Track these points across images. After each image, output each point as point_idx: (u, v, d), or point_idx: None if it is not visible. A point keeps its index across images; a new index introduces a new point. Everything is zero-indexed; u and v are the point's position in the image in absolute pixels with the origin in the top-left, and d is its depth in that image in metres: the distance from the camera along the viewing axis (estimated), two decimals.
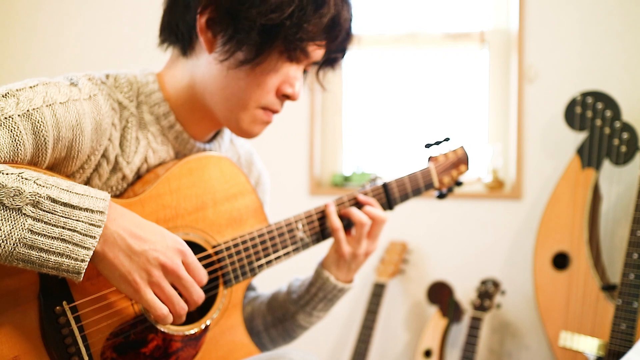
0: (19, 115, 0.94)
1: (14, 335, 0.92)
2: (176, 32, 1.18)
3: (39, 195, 0.86)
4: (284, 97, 1.21)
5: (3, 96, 0.95)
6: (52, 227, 0.87)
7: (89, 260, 0.89)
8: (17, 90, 0.97)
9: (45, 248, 0.86)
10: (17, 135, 0.93)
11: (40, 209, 0.86)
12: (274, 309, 1.42)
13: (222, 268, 1.19)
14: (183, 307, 1.02)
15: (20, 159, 0.95)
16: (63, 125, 1.00)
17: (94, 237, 0.90)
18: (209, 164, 1.22)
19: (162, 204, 1.12)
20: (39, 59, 3.07)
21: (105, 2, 3.03)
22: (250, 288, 1.52)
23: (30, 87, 0.99)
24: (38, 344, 0.95)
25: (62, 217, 0.88)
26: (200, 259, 1.15)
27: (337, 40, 1.20)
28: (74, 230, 0.88)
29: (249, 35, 1.10)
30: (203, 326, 1.16)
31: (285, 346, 1.47)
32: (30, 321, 0.94)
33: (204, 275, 1.05)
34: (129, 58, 2.97)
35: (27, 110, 0.95)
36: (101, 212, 0.91)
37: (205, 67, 1.17)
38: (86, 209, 0.90)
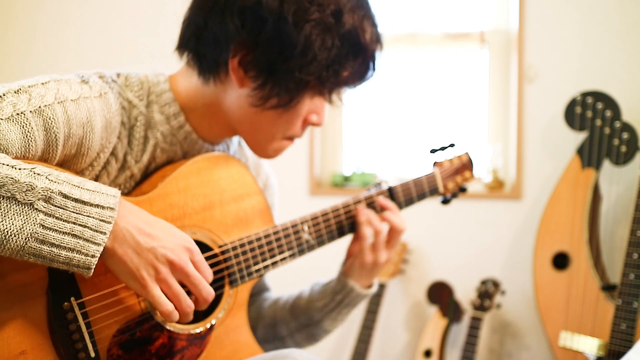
0: (30, 112, 0.94)
1: (21, 330, 0.92)
2: (201, 60, 1.16)
3: (50, 190, 0.87)
4: (309, 124, 1.23)
5: (15, 92, 0.95)
6: (64, 223, 0.87)
7: (99, 255, 0.90)
8: (29, 86, 0.97)
9: (57, 243, 0.86)
10: (28, 132, 0.93)
11: (52, 205, 0.87)
12: (298, 315, 1.42)
13: (228, 268, 1.19)
14: (189, 305, 1.02)
15: (31, 155, 0.95)
16: (74, 122, 1.00)
17: (104, 233, 0.90)
18: (217, 164, 1.22)
19: (170, 203, 1.13)
20: (39, 59, 3.07)
21: (105, 2, 3.03)
22: (264, 289, 1.52)
23: (42, 83, 0.99)
24: (45, 340, 0.95)
25: (74, 212, 0.88)
26: (206, 258, 1.15)
27: (368, 79, 1.23)
28: (85, 226, 0.88)
29: (286, 85, 1.11)
30: (208, 325, 1.17)
31: (309, 347, 1.48)
32: (38, 316, 0.94)
33: (209, 275, 1.05)
34: (130, 58, 2.97)
35: (39, 107, 0.96)
36: (111, 209, 0.91)
37: (235, 99, 1.17)
38: (97, 205, 0.90)
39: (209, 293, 1.04)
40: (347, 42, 1.11)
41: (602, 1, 2.62)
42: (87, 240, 0.89)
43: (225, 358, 1.21)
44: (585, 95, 2.43)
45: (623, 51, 2.60)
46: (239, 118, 1.19)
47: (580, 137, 2.49)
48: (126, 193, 1.15)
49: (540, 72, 2.68)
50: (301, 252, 1.30)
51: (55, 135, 0.97)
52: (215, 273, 1.17)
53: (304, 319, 1.42)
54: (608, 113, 2.38)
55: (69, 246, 0.87)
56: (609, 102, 2.39)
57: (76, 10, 3.04)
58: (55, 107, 0.98)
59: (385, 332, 2.83)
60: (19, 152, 0.93)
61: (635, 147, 2.34)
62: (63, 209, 0.87)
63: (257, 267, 1.23)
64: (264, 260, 1.24)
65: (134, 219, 0.96)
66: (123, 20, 3.01)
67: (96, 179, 1.11)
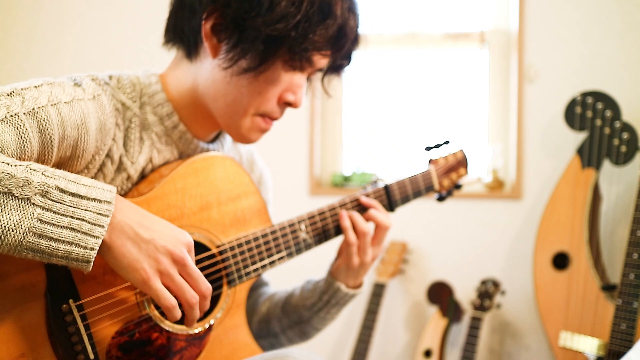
0: (24, 114, 0.94)
1: (20, 333, 0.92)
2: (181, 35, 1.18)
3: (47, 185, 0.86)
4: (285, 104, 1.21)
5: (8, 95, 0.95)
6: (61, 217, 0.87)
7: (97, 248, 0.89)
8: (22, 89, 0.97)
9: (55, 237, 0.86)
10: (23, 133, 0.93)
11: (49, 199, 0.86)
12: (289, 313, 1.43)
13: (226, 268, 1.19)
14: (194, 296, 0.99)
15: (27, 157, 0.95)
16: (68, 124, 1.00)
17: (103, 226, 0.89)
18: (213, 164, 1.22)
19: (167, 204, 1.13)
20: (39, 59, 3.07)
21: (105, 3, 3.03)
22: (261, 284, 1.53)
23: (35, 86, 0.99)
24: (44, 342, 0.95)
25: (71, 206, 0.88)
26: (204, 259, 1.16)
27: (343, 49, 1.20)
28: (83, 219, 0.88)
29: (254, 44, 1.10)
30: (207, 325, 1.17)
31: (301, 344, 1.48)
32: (36, 319, 0.94)
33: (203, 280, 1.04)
34: (130, 59, 2.97)
35: (33, 109, 0.95)
36: (109, 202, 0.91)
37: (208, 71, 1.17)
38: (94, 199, 0.90)
39: (207, 287, 1.02)
40: (315, 2, 1.10)
41: (602, 1, 2.62)
42: (86, 234, 0.88)
43: (224, 358, 1.21)
44: (585, 95, 2.43)
45: (623, 51, 2.60)
46: (214, 94, 1.18)
47: (580, 137, 2.49)
48: (123, 194, 1.15)
49: (540, 72, 2.68)
50: (298, 251, 1.30)
51: (50, 136, 0.97)
52: (213, 273, 1.17)
53: (295, 317, 1.42)
54: (608, 113, 2.38)
55: (67, 240, 0.87)
56: (609, 102, 2.39)
57: (76, 11, 3.04)
58: (49, 109, 0.97)
59: (385, 332, 2.83)
60: (15, 153, 0.93)
61: (635, 147, 2.33)
62: (60, 203, 0.87)
63: (254, 266, 1.23)
64: (261, 259, 1.24)
65: (130, 213, 0.95)
66: (123, 21, 3.01)
67: None
